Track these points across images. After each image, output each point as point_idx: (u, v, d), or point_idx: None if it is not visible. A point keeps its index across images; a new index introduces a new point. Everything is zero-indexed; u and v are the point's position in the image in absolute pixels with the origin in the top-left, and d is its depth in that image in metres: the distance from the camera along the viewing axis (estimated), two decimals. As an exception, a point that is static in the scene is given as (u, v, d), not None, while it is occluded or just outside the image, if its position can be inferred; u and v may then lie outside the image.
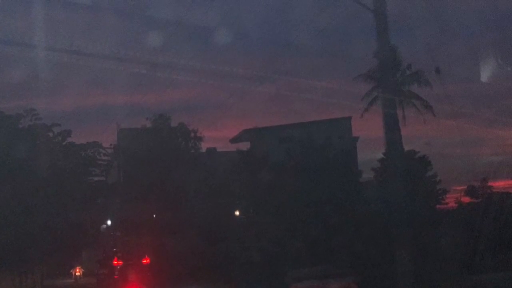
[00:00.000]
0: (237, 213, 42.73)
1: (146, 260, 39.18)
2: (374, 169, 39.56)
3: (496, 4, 28.70)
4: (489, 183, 40.71)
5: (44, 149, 41.25)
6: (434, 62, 27.55)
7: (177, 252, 37.80)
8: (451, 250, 28.84)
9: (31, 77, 37.51)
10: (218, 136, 70.98)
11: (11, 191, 35.38)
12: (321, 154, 36.51)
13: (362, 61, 31.51)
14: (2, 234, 35.04)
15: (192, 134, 46.21)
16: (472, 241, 26.13)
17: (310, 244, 32.13)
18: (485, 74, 23.42)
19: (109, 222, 52.62)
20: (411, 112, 32.76)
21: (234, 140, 50.33)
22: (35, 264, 41.34)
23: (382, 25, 26.32)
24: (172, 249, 38.75)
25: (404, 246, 26.26)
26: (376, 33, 26.48)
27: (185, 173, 42.62)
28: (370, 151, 46.05)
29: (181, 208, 40.80)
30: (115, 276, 38.85)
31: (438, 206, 40.32)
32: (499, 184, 39.20)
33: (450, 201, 41.91)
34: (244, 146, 46.74)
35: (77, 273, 51.90)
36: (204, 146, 47.71)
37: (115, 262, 39.81)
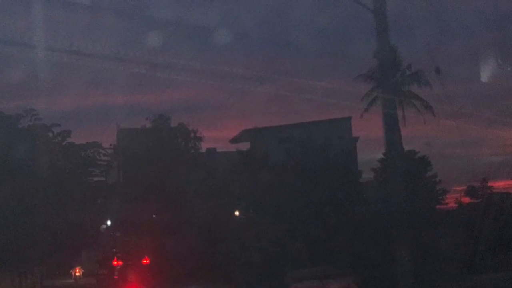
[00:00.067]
0: (237, 213, 42.70)
1: (146, 260, 39.15)
2: (374, 169, 39.55)
3: (496, 4, 28.69)
4: (489, 184, 40.75)
5: (44, 149, 41.21)
6: (434, 62, 27.59)
7: (177, 252, 37.79)
8: (451, 250, 28.85)
9: (31, 77, 37.51)
10: (218, 136, 71.15)
11: (10, 191, 35.35)
12: (321, 155, 36.50)
13: (362, 61, 31.54)
14: (1, 235, 35.03)
15: (192, 134, 46.19)
16: (472, 241, 26.13)
17: (310, 245, 32.12)
18: (485, 74, 23.41)
19: (108, 223, 52.58)
20: (411, 112, 32.79)
21: (234, 140, 50.32)
22: (35, 265, 41.30)
23: (382, 25, 26.31)
24: (172, 250, 38.73)
25: (404, 246, 26.25)
26: (376, 33, 26.47)
27: (185, 173, 42.60)
28: (370, 151, 46.04)
29: (181, 209, 40.78)
30: (115, 277, 38.81)
31: (438, 206, 40.31)
32: (499, 185, 39.23)
33: (450, 201, 41.96)
34: (244, 146, 46.76)
35: (77, 274, 51.85)
36: (204, 147, 47.77)
37: (115, 263, 39.77)
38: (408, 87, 33.81)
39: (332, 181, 34.24)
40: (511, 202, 28.23)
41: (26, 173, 37.18)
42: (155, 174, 41.96)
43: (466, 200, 40.81)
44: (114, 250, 46.21)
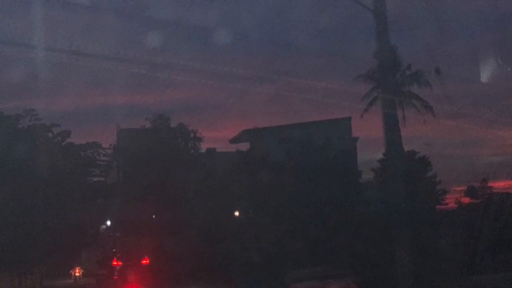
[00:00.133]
0: (236, 213, 42.68)
1: (146, 260, 39.16)
2: (374, 169, 39.51)
3: (496, 4, 28.69)
4: (489, 184, 40.74)
5: (44, 149, 41.14)
6: (434, 63, 27.63)
7: (176, 252, 37.78)
8: (451, 250, 28.85)
9: (31, 77, 37.49)
10: (217, 136, 71.09)
11: (10, 192, 35.32)
12: (320, 155, 36.47)
13: (362, 61, 31.51)
14: (1, 235, 34.98)
15: (192, 135, 46.17)
16: (472, 242, 26.12)
17: (310, 245, 32.10)
18: (485, 74, 23.42)
19: (108, 223, 52.57)
20: (411, 112, 32.70)
21: (233, 140, 50.29)
22: (35, 265, 41.30)
23: (382, 25, 26.33)
24: (171, 250, 38.73)
25: (404, 247, 26.26)
26: (376, 33, 26.51)
27: (185, 173, 42.59)
28: (370, 152, 46.02)
29: (181, 209, 40.76)
30: (115, 277, 38.83)
31: (438, 206, 40.28)
32: (499, 185, 39.24)
33: (450, 202, 41.91)
34: (244, 146, 46.70)
35: (77, 274, 51.91)
36: (203, 147, 47.74)
37: (115, 263, 39.79)
38: (408, 87, 33.72)
39: (332, 182, 34.21)
40: (511, 203, 28.24)
41: (26, 173, 37.14)
42: (154, 174, 41.94)
43: (466, 200, 40.81)
44: (114, 250, 46.25)
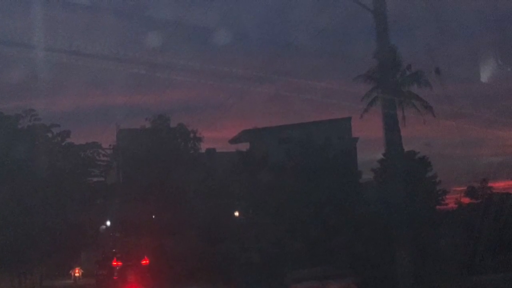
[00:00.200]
0: (236, 213, 42.68)
1: (146, 261, 39.15)
2: (374, 169, 39.50)
3: (496, 4, 28.67)
4: (489, 184, 40.78)
5: (43, 149, 41.12)
6: (434, 63, 27.61)
7: (176, 253, 37.76)
8: (451, 251, 28.85)
9: (30, 77, 37.48)
10: (217, 136, 71.01)
11: (10, 192, 35.31)
12: (320, 155, 36.45)
13: (362, 61, 31.50)
14: (1, 235, 34.96)
15: (192, 135, 46.16)
16: (472, 242, 26.12)
17: (310, 245, 32.08)
18: (485, 74, 23.40)
19: (108, 223, 52.55)
20: (411, 112, 32.69)
21: (233, 140, 50.29)
22: (34, 265, 41.29)
23: (381, 26, 26.31)
24: (171, 250, 38.70)
25: (404, 247, 26.24)
26: (375, 33, 26.48)
27: (185, 173, 42.56)
28: (370, 152, 45.99)
29: (181, 209, 40.74)
30: (114, 277, 38.82)
31: (438, 207, 40.26)
32: (499, 185, 39.28)
33: (450, 202, 41.90)
34: (244, 146, 46.70)
35: (76, 274, 51.96)
36: (203, 147, 47.74)
37: (114, 263, 39.78)
38: (408, 87, 33.72)
39: (332, 182, 34.20)
40: (511, 203, 28.24)
41: (26, 173, 37.12)
42: (154, 174, 41.92)
43: (466, 200, 40.82)
44: (114, 250, 46.24)
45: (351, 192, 35.47)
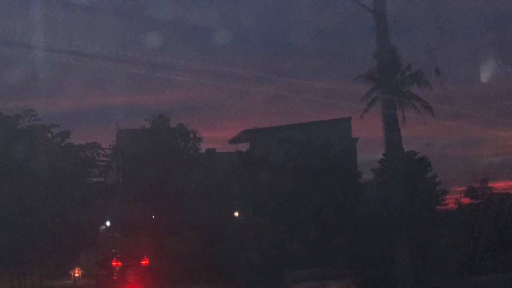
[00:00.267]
0: (236, 214, 42.65)
1: (145, 261, 39.13)
2: (374, 170, 39.54)
3: (496, 4, 28.70)
4: (489, 184, 40.85)
5: (43, 150, 41.07)
6: (434, 63, 27.57)
7: (176, 253, 37.74)
8: (451, 251, 28.83)
9: (30, 77, 37.44)
10: (217, 137, 71.04)
11: (9, 192, 35.28)
12: (320, 155, 36.46)
13: (362, 61, 31.51)
14: (1, 235, 34.95)
15: (191, 135, 46.13)
16: (472, 242, 26.12)
17: (310, 245, 32.08)
18: (485, 75, 23.41)
19: (108, 223, 52.50)
20: (411, 113, 32.74)
21: (233, 141, 50.30)
22: (34, 265, 41.21)
23: (381, 26, 26.28)
24: (171, 250, 38.68)
25: (403, 247, 26.21)
26: (375, 33, 26.44)
27: (184, 174, 42.54)
28: (369, 152, 46.03)
29: (180, 209, 40.72)
30: (114, 277, 38.80)
31: (438, 207, 40.30)
32: (499, 185, 39.33)
33: (450, 202, 41.95)
34: (244, 147, 46.73)
35: (76, 274, 51.90)
36: (203, 147, 47.71)
37: (114, 263, 39.75)
38: (408, 87, 33.76)
39: (332, 182, 34.21)
40: (511, 203, 28.24)
41: (25, 173, 37.10)
42: (154, 174, 41.90)
43: (466, 201, 40.87)
44: (113, 251, 46.19)
45: (351, 192, 35.47)
